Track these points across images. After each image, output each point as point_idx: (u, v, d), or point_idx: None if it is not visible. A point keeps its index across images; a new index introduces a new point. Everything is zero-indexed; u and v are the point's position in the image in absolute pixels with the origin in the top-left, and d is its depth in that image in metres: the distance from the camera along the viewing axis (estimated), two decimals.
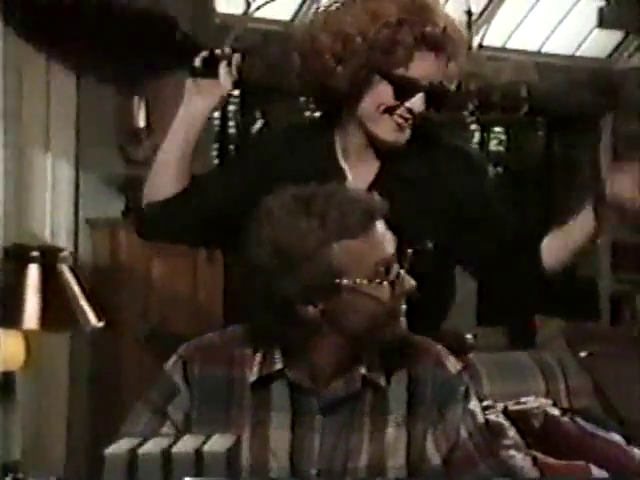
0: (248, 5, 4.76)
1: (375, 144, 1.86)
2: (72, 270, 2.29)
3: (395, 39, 1.76)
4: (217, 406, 1.57)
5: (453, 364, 1.63)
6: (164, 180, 1.91)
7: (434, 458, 1.59)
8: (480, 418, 1.63)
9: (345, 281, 1.51)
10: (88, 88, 3.87)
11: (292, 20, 5.05)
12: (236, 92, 5.07)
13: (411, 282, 1.56)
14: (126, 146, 4.00)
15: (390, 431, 1.58)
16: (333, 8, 1.83)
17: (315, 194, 1.53)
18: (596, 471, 1.81)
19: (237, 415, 1.56)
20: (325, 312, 1.52)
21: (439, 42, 1.78)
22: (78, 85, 3.85)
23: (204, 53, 1.92)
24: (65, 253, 2.35)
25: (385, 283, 1.52)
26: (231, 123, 5.09)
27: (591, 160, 6.04)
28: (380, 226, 1.54)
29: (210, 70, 1.91)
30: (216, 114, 4.85)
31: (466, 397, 1.62)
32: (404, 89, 1.79)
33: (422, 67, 1.78)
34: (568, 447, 1.92)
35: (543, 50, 5.76)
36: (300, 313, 1.52)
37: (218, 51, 1.92)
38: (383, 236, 1.54)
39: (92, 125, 3.87)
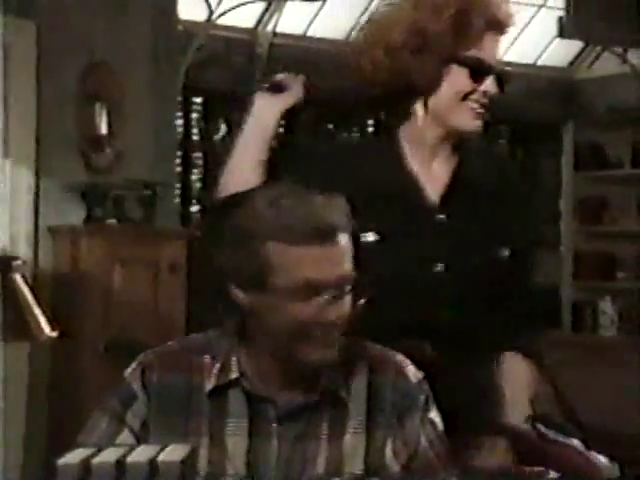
0: (211, 12, 4.74)
1: (453, 138, 1.85)
2: (25, 279, 2.26)
3: (469, 22, 1.77)
4: (175, 413, 1.56)
5: (414, 373, 1.62)
6: (242, 179, 1.84)
7: (393, 466, 1.58)
8: (441, 427, 1.63)
9: (272, 281, 1.49)
10: (49, 93, 3.83)
11: (255, 28, 5.04)
12: (199, 100, 5.06)
13: (331, 316, 1.48)
14: (88, 153, 3.96)
15: (348, 438, 1.57)
16: (381, 10, 1.84)
17: (289, 192, 1.52)
18: (555, 477, 1.82)
19: (195, 422, 1.55)
20: (253, 308, 1.52)
21: (504, 24, 1.81)
22: (38, 90, 3.81)
23: (265, 86, 1.91)
24: (18, 262, 2.31)
25: (312, 304, 1.48)
26: (195, 130, 5.08)
27: (554, 168, 6.09)
28: (332, 248, 1.49)
29: (276, 91, 1.92)
30: (179, 122, 4.83)
31: (426, 406, 1.61)
32: (480, 70, 1.81)
33: (490, 49, 1.81)
34: (528, 453, 1.93)
35: (504, 59, 5.80)
36: (232, 294, 1.52)
37: (280, 77, 1.92)
38: (329, 257, 1.48)
39: (53, 131, 3.83)
